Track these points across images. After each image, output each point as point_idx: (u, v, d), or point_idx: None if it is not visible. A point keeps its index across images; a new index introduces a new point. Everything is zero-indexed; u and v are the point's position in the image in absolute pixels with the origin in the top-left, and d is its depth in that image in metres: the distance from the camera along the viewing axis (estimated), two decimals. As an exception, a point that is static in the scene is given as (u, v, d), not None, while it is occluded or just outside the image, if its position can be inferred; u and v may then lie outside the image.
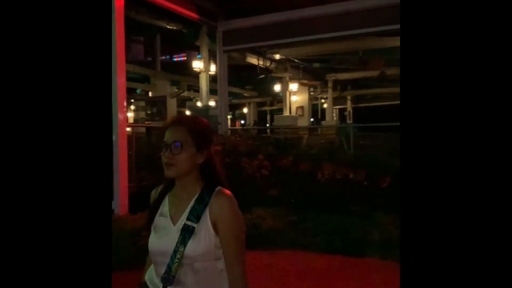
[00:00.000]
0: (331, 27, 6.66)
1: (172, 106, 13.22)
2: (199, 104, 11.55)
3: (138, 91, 15.03)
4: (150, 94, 14.39)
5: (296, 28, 6.91)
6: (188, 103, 17.05)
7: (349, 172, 5.17)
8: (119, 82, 4.81)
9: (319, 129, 13.06)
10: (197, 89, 13.29)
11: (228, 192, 1.33)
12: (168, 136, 1.32)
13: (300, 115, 15.21)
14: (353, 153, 6.97)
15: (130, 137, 5.98)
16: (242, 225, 1.32)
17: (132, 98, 14.59)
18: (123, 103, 4.93)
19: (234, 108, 20.46)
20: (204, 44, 9.33)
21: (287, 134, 10.32)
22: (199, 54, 10.12)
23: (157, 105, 13.73)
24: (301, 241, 4.56)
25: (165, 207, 1.38)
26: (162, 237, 1.32)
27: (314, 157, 5.77)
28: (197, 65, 9.62)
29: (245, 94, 18.60)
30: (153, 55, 13.20)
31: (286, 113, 14.36)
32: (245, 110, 20.51)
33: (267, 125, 18.65)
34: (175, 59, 16.11)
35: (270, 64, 12.02)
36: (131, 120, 13.62)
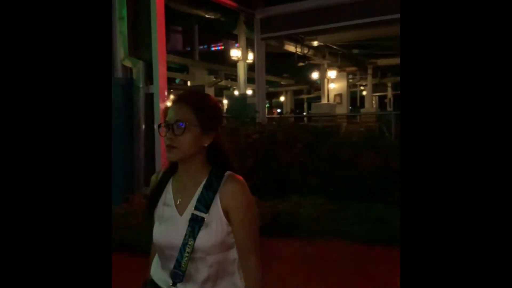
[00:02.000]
0: (371, 11, 6.47)
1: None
2: (236, 93, 11.63)
3: (177, 80, 15.33)
4: (188, 83, 14.63)
5: (335, 14, 6.77)
6: (225, 92, 17.20)
7: (390, 160, 5.05)
8: (160, 72, 4.93)
9: (358, 117, 12.80)
10: (234, 78, 13.38)
11: (239, 177, 1.21)
12: (170, 115, 1.17)
13: (338, 103, 14.96)
14: (394, 141, 6.78)
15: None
16: (256, 212, 1.22)
17: (171, 88, 14.90)
18: (164, 93, 5.06)
19: (270, 96, 20.41)
20: (242, 32, 9.34)
21: (325, 122, 10.21)
22: (236, 42, 10.15)
23: (195, 94, 13.91)
24: (340, 230, 4.53)
25: (168, 194, 1.23)
26: (168, 229, 1.19)
27: (353, 145, 5.68)
28: (235, 53, 9.65)
29: (282, 82, 18.49)
30: (192, 44, 13.38)
31: (324, 101, 14.16)
32: (282, 98, 20.42)
33: (304, 113, 18.48)
34: (213, 49, 16.26)
35: (308, 51, 11.86)
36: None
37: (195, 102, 1.18)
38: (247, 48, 9.50)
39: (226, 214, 1.17)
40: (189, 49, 13.79)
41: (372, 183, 5.07)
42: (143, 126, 5.16)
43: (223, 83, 14.28)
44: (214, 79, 13.60)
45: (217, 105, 1.24)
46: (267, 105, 15.48)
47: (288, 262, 3.92)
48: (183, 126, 1.14)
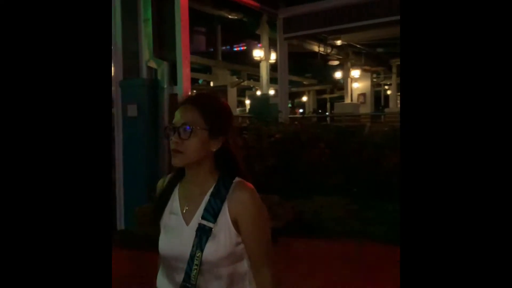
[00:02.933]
0: (395, 10, 6.37)
1: (232, 95, 13.48)
2: (258, 93, 11.66)
3: (200, 81, 15.49)
4: (211, 84, 14.76)
5: (358, 12, 6.70)
6: (247, 92, 17.26)
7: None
8: (184, 73, 5.00)
9: (382, 117, 12.61)
10: (256, 78, 13.40)
11: (249, 184, 1.13)
12: (177, 118, 1.11)
13: (362, 103, 14.78)
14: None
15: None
16: (267, 221, 1.15)
17: (194, 89, 15.07)
18: (188, 93, 5.13)
19: (293, 96, 20.35)
20: (264, 32, 9.36)
21: (348, 122, 10.10)
22: (259, 43, 10.17)
23: (218, 95, 14.03)
24: (363, 230, 4.48)
25: (175, 202, 1.17)
26: (174, 239, 1.13)
27: (377, 145, 5.61)
28: (258, 53, 9.68)
29: (304, 82, 18.41)
30: (215, 45, 13.49)
31: (347, 100, 14.02)
32: (304, 98, 20.32)
33: (327, 113, 18.34)
34: (235, 49, 16.33)
35: (331, 50, 11.77)
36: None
37: (203, 104, 1.12)
38: (269, 48, 9.51)
39: (235, 223, 1.10)
40: (212, 50, 13.92)
41: (396, 183, 5.00)
42: (167, 126, 5.23)
43: (245, 83, 14.35)
44: (237, 80, 13.67)
45: (227, 108, 1.17)
46: (289, 105, 15.45)
47: (310, 262, 3.91)
48: (189, 130, 1.07)
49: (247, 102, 17.20)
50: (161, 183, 1.22)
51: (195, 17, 8.50)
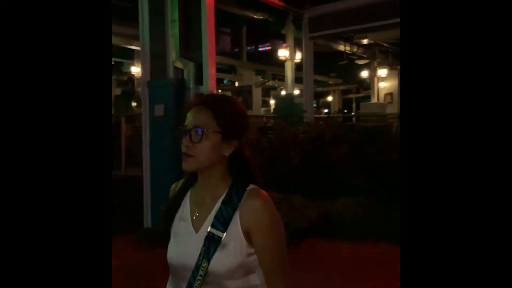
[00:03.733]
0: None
1: (257, 95, 13.51)
2: (283, 92, 11.63)
3: (225, 81, 15.61)
4: (236, 84, 14.84)
5: (385, 10, 6.58)
6: (272, 92, 17.25)
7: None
8: (210, 73, 5.05)
9: (410, 117, 12.31)
10: (281, 78, 13.39)
11: (263, 192, 1.06)
12: (188, 119, 1.05)
13: (389, 102, 14.51)
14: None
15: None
16: (282, 232, 1.06)
17: (220, 88, 15.19)
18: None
19: (317, 96, 20.18)
20: (289, 32, 9.34)
21: (375, 122, 9.95)
22: (284, 43, 10.16)
23: (243, 95, 14.12)
24: (387, 232, 4.41)
25: (185, 208, 1.11)
26: (182, 246, 1.07)
27: (404, 146, 5.49)
28: (283, 53, 9.66)
29: (329, 82, 18.25)
30: (240, 45, 13.56)
31: (374, 100, 13.79)
32: (329, 98, 20.14)
33: (352, 113, 18.12)
34: (260, 49, 16.36)
35: (358, 49, 11.62)
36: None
37: (216, 106, 1.05)
38: (294, 47, 9.48)
39: (247, 234, 1.02)
40: (237, 50, 13.99)
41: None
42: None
43: (270, 83, 14.35)
44: (262, 79, 13.70)
45: (242, 111, 1.10)
46: (314, 105, 15.36)
47: (334, 263, 3.88)
48: (201, 133, 1.02)
49: (272, 102, 17.19)
50: (173, 188, 1.17)
51: (221, 18, 8.57)
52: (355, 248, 4.19)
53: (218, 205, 1.05)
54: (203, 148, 1.02)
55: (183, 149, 1.03)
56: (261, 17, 9.24)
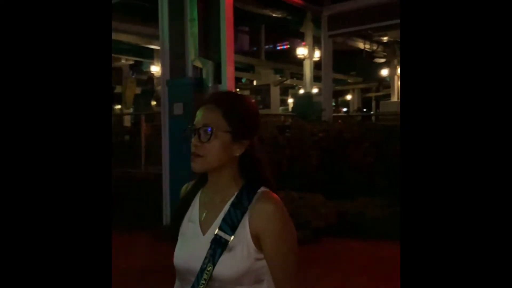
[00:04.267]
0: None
1: (275, 94, 13.49)
2: (301, 91, 11.57)
3: (243, 80, 15.64)
4: (254, 83, 14.85)
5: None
6: (290, 90, 17.21)
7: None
8: (228, 72, 5.07)
9: (431, 116, 12.09)
10: (299, 77, 13.33)
11: (274, 195, 1.00)
12: (197, 118, 1.01)
13: (409, 101, 14.27)
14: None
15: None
16: (293, 238, 1.00)
17: (238, 87, 15.24)
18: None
19: (336, 95, 20.02)
20: (308, 30, 9.29)
21: (395, 121, 9.80)
22: (302, 41, 10.12)
23: (261, 94, 14.14)
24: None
25: (194, 209, 1.07)
26: (189, 249, 1.03)
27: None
28: (301, 51, 9.63)
29: (348, 80, 18.08)
30: (258, 44, 13.57)
31: (394, 99, 13.59)
32: (348, 97, 19.95)
33: (372, 112, 17.90)
34: (278, 48, 16.34)
35: (377, 47, 11.47)
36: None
37: (226, 104, 1.01)
38: (313, 46, 9.43)
39: (256, 238, 0.97)
40: (255, 48, 14.00)
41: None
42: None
43: (288, 82, 14.31)
44: (280, 78, 13.67)
45: (253, 109, 1.06)
46: (333, 104, 15.24)
47: (352, 263, 3.84)
48: (210, 132, 0.98)
49: (290, 101, 17.14)
50: (184, 188, 1.14)
51: (239, 16, 8.60)
52: (373, 248, 4.15)
53: (227, 207, 1.01)
54: (212, 148, 0.98)
55: (192, 149, 1.00)
56: (280, 16, 9.23)
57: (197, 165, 1.00)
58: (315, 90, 10.81)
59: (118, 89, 13.30)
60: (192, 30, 5.37)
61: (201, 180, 1.09)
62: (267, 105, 12.70)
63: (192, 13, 5.36)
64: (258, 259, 0.98)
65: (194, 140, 1.00)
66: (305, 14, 8.91)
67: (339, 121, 7.76)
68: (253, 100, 1.11)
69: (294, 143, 5.66)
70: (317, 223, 4.50)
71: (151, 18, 7.01)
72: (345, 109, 20.33)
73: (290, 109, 15.32)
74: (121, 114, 13.19)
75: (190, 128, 1.01)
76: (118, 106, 15.81)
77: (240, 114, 1.01)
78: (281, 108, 15.40)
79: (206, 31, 5.38)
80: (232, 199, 1.01)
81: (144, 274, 3.58)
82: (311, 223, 4.46)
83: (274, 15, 9.23)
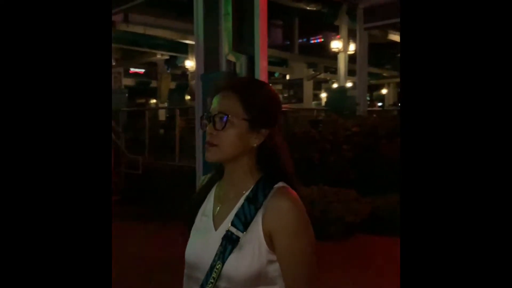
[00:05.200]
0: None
1: (308, 88, 13.38)
2: (335, 85, 11.42)
3: (276, 74, 15.60)
4: (287, 77, 14.78)
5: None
6: (324, 85, 17.01)
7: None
8: (262, 66, 5.06)
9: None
10: (333, 71, 13.15)
11: (291, 191, 0.92)
12: (213, 105, 0.94)
13: (448, 96, 13.80)
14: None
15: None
16: (310, 241, 0.90)
17: (271, 82, 15.23)
18: (265, 85, 5.20)
19: (371, 89, 19.61)
20: (343, 23, 9.14)
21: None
22: (336, 34, 9.96)
23: (294, 88, 14.07)
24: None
25: (209, 203, 1.00)
26: (200, 244, 0.96)
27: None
28: (336, 45, 9.48)
29: (384, 74, 17.65)
30: (291, 38, 13.47)
31: (431, 93, 13.17)
32: (383, 91, 19.49)
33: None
34: (312, 41, 16.16)
35: (414, 40, 11.12)
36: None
37: (244, 90, 0.93)
38: (348, 39, 9.27)
39: (269, 237, 0.89)
40: (288, 42, 13.92)
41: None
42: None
43: (322, 76, 14.15)
44: (313, 72, 13.54)
45: (273, 96, 0.97)
46: (368, 98, 14.94)
47: (385, 260, 3.79)
48: (225, 120, 0.90)
49: (323, 95, 16.95)
50: (202, 181, 1.08)
51: (273, 10, 8.57)
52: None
53: (241, 201, 0.93)
54: (227, 136, 0.90)
55: (207, 138, 0.92)
56: (314, 9, 9.12)
57: (210, 155, 0.92)
58: (349, 84, 10.63)
59: (153, 84, 13.62)
60: (226, 25, 5.40)
61: (218, 172, 1.02)
62: (300, 100, 12.61)
63: (226, 7, 5.39)
64: (270, 262, 0.89)
65: (209, 128, 0.92)
66: (340, 7, 8.76)
67: (374, 115, 7.60)
68: (274, 89, 1.01)
69: (327, 138, 5.60)
70: (350, 219, 4.45)
71: (186, 13, 7.11)
72: (380, 104, 19.88)
73: (323, 103, 15.15)
74: (156, 108, 13.50)
75: (206, 116, 0.94)
76: (154, 101, 16.18)
77: (258, 101, 0.93)
78: (314, 102, 15.26)
79: (240, 25, 5.40)
80: (247, 193, 0.93)
81: (179, 262, 3.67)
82: (344, 218, 4.42)
83: (308, 8, 9.13)
